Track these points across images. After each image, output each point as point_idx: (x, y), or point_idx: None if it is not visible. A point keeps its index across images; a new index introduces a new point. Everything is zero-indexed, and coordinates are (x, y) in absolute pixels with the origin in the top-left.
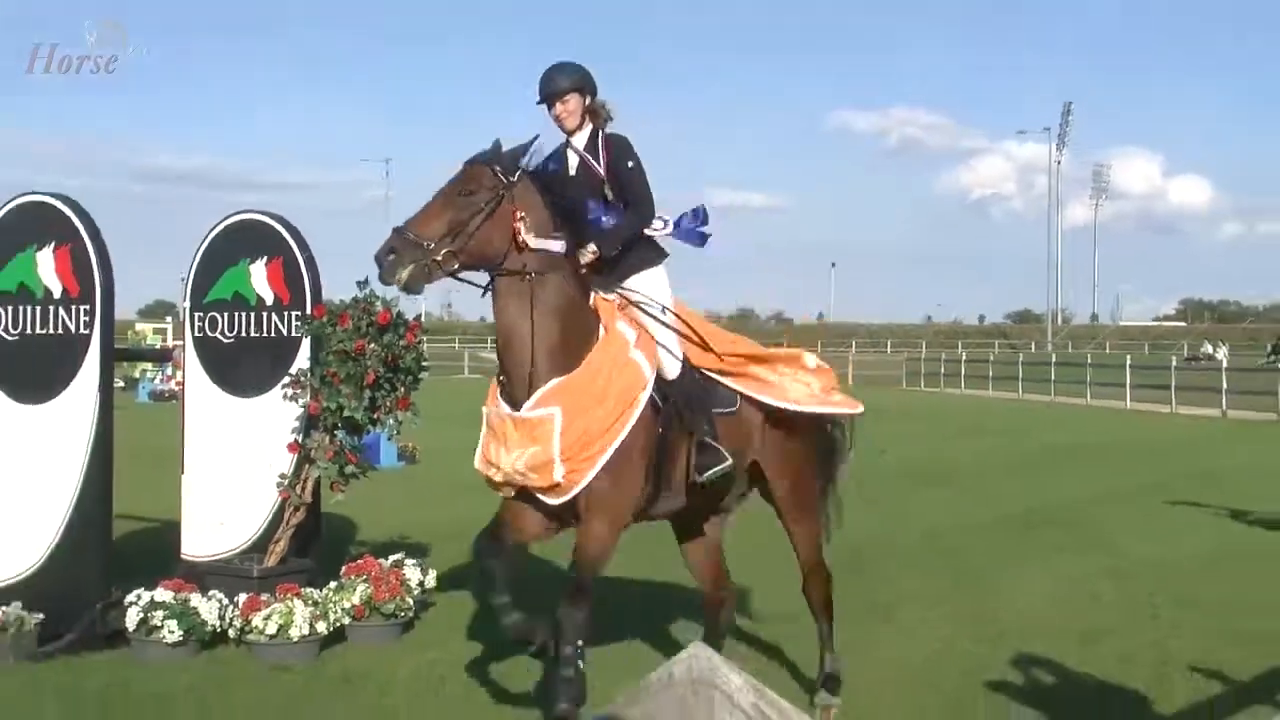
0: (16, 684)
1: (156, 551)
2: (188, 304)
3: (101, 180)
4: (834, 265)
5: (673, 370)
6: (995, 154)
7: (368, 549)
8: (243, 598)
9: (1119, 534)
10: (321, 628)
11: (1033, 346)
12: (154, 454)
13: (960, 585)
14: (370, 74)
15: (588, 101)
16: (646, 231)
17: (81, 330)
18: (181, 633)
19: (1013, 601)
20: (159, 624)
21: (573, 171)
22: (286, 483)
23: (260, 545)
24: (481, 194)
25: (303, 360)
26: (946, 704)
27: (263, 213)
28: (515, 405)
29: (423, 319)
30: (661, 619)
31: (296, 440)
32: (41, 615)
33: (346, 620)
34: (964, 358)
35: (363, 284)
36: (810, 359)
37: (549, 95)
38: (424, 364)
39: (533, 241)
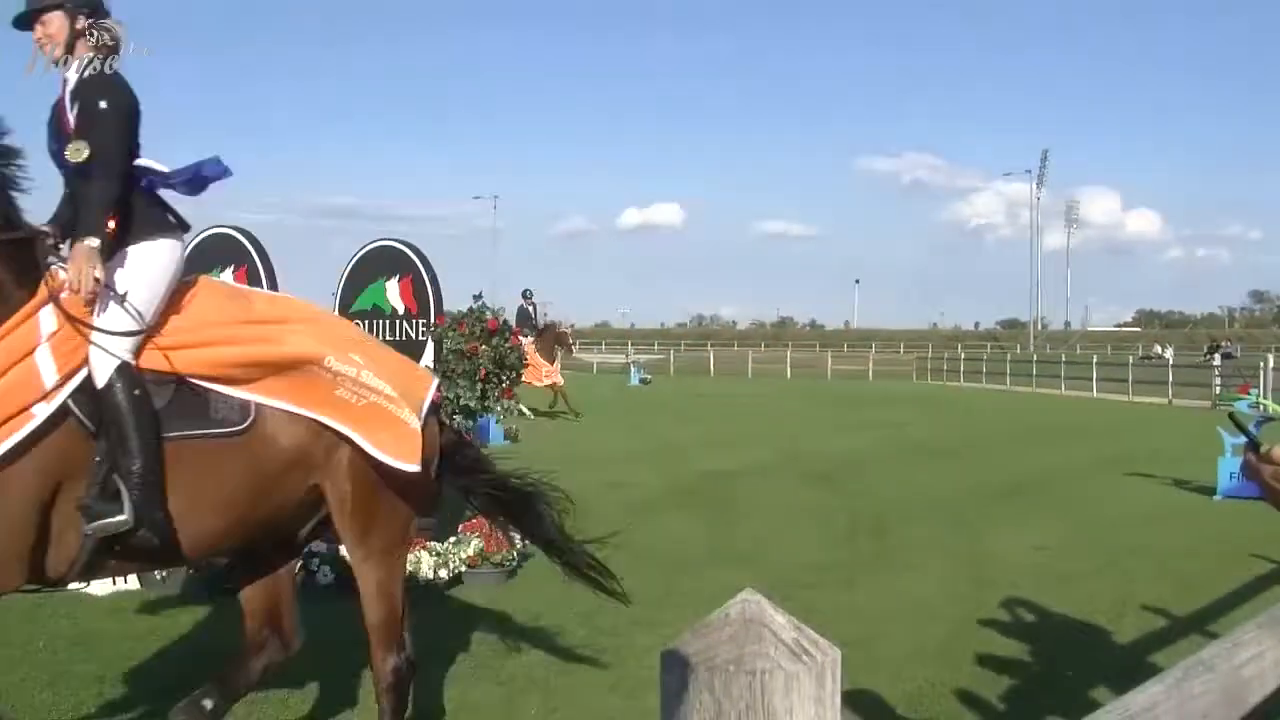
0: (210, 610)
1: None
2: (336, 314)
3: (271, 215)
4: (858, 281)
5: (102, 377)
6: (987, 191)
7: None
8: None
9: (1086, 497)
10: (443, 574)
11: (1018, 348)
12: None
13: (958, 538)
14: (482, 127)
15: (78, 24)
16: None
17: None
18: (334, 576)
19: (1000, 552)
20: (317, 569)
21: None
22: None
23: None
24: None
25: (428, 359)
26: (947, 631)
27: (396, 240)
28: None
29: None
30: (720, 571)
31: None
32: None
33: (463, 568)
34: (963, 357)
35: (477, 297)
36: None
37: (27, 14)
38: (525, 362)
39: None
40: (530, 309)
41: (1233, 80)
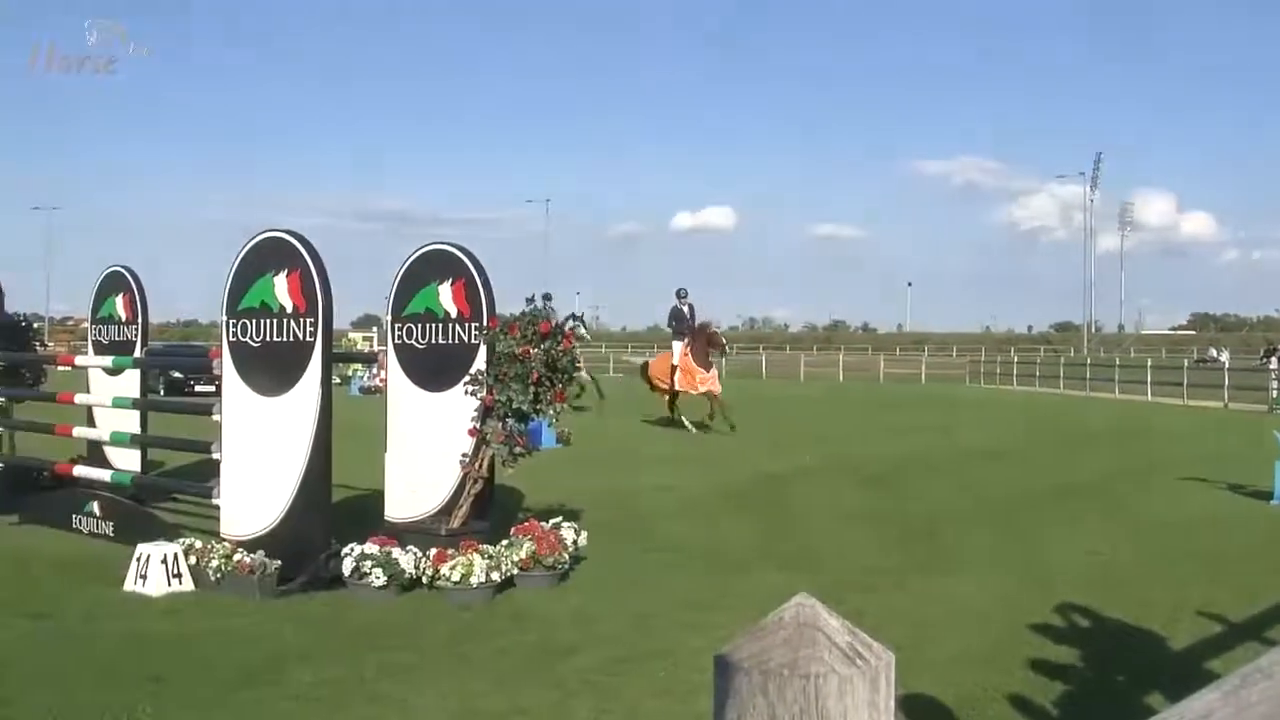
0: (263, 613)
1: (366, 514)
2: (389, 317)
3: (324, 219)
4: (910, 284)
5: None
6: (1041, 194)
7: (532, 514)
8: (433, 551)
9: (1139, 501)
10: (496, 576)
11: (1071, 351)
12: (364, 436)
13: (1011, 542)
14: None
15: None
16: None
17: (307, 338)
18: (385, 578)
19: (1053, 556)
20: (368, 571)
21: None
22: (467, 460)
23: (446, 510)
24: None
25: (480, 362)
26: (1000, 636)
27: (449, 243)
28: None
29: (575, 328)
30: (771, 574)
31: (475, 426)
32: (280, 562)
33: (515, 570)
34: (1015, 360)
35: (529, 300)
36: None
37: None
38: (577, 365)
39: None
40: (685, 309)
41: None
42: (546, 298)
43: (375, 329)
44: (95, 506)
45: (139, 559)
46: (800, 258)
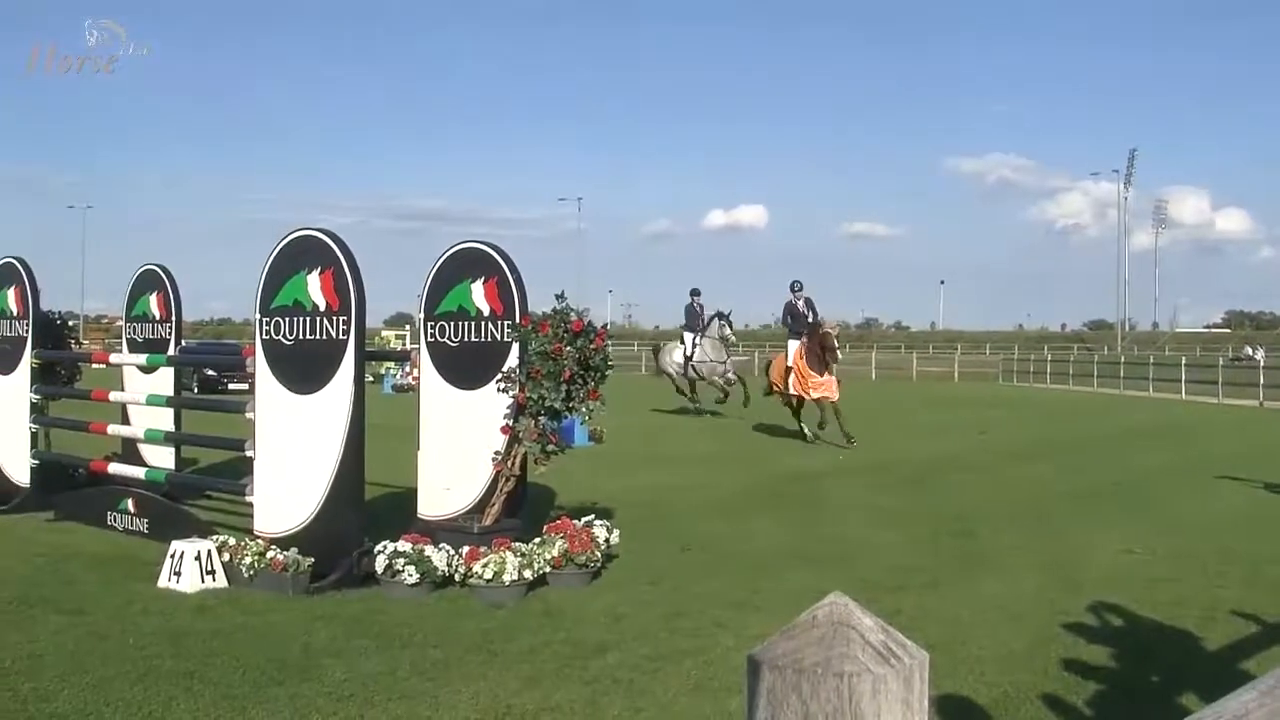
0: (296, 610)
1: (399, 511)
2: (422, 315)
3: (358, 217)
4: (943, 282)
5: None
6: (1074, 191)
7: (564, 512)
8: (465, 549)
9: (1174, 500)
10: (528, 574)
11: (1105, 349)
12: (396, 434)
13: (1044, 541)
14: (568, 130)
15: None
16: None
17: (340, 336)
18: (418, 576)
19: (1087, 555)
20: (401, 568)
21: None
22: (499, 458)
23: (479, 508)
24: None
25: (512, 360)
26: (1033, 635)
27: (482, 242)
28: None
29: (608, 327)
30: (803, 573)
31: (508, 424)
32: (313, 559)
33: (548, 569)
34: (1049, 358)
35: (560, 297)
36: None
37: None
38: (609, 363)
39: None
40: (800, 304)
41: None
42: (695, 293)
43: (408, 327)
44: (130, 504)
45: (173, 556)
46: (833, 256)
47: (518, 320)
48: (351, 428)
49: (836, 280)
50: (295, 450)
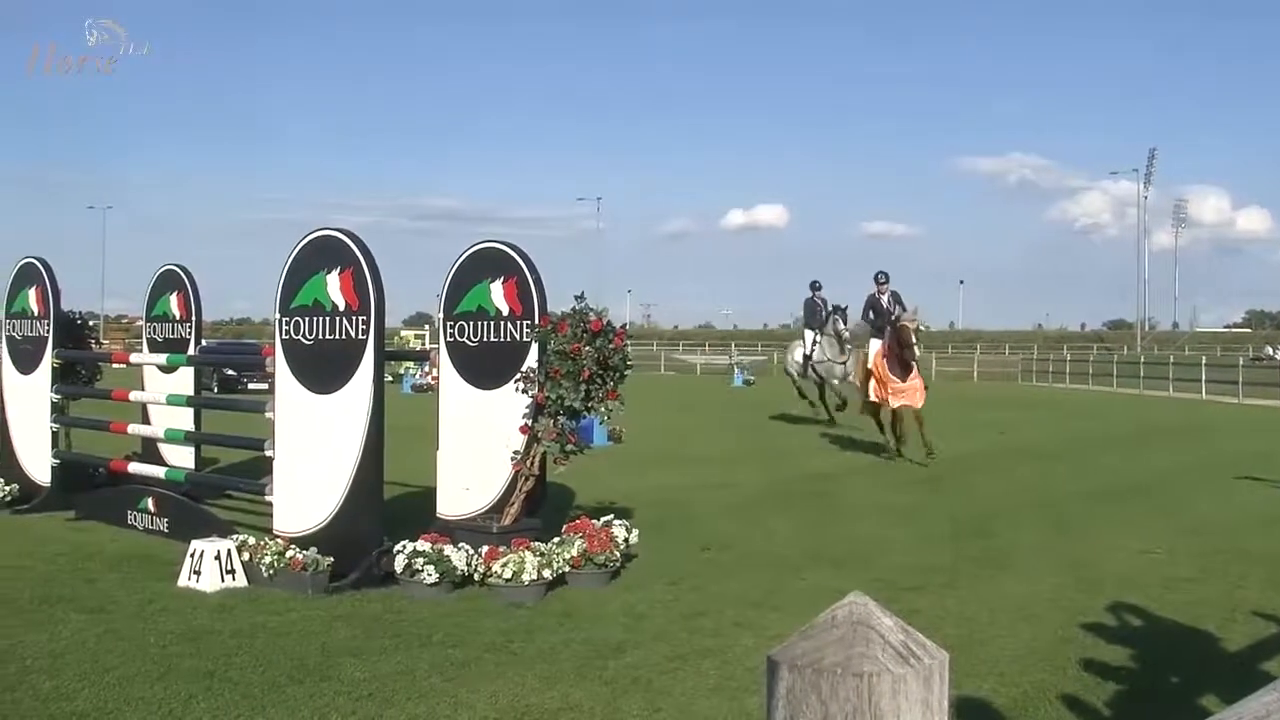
0: (315, 609)
1: (418, 511)
2: (441, 315)
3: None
4: (962, 282)
5: None
6: (1094, 191)
7: (584, 511)
8: (485, 549)
9: (1194, 500)
10: (547, 574)
11: (1125, 349)
12: (416, 434)
13: (1063, 541)
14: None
15: None
16: None
17: (360, 336)
18: (437, 575)
19: (1106, 555)
20: (420, 568)
21: None
22: (519, 457)
23: (498, 507)
24: None
25: (531, 360)
26: (1052, 635)
27: (501, 242)
28: None
29: (627, 327)
30: (822, 573)
31: (527, 424)
32: (332, 558)
33: (567, 568)
34: (1068, 358)
35: (579, 297)
36: None
37: None
38: (628, 363)
39: None
40: (883, 298)
41: None
42: (815, 286)
43: (427, 327)
44: (150, 503)
45: (193, 555)
46: (852, 255)
47: (537, 320)
48: (371, 427)
49: (856, 279)
50: (315, 450)
